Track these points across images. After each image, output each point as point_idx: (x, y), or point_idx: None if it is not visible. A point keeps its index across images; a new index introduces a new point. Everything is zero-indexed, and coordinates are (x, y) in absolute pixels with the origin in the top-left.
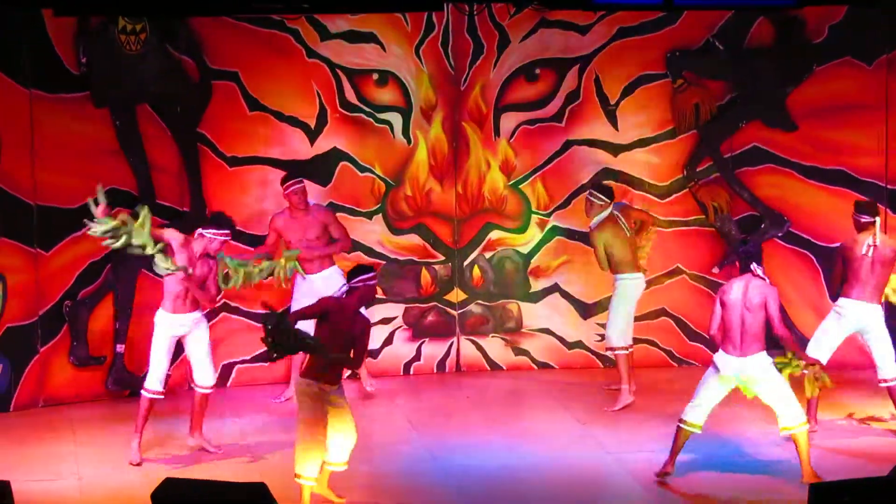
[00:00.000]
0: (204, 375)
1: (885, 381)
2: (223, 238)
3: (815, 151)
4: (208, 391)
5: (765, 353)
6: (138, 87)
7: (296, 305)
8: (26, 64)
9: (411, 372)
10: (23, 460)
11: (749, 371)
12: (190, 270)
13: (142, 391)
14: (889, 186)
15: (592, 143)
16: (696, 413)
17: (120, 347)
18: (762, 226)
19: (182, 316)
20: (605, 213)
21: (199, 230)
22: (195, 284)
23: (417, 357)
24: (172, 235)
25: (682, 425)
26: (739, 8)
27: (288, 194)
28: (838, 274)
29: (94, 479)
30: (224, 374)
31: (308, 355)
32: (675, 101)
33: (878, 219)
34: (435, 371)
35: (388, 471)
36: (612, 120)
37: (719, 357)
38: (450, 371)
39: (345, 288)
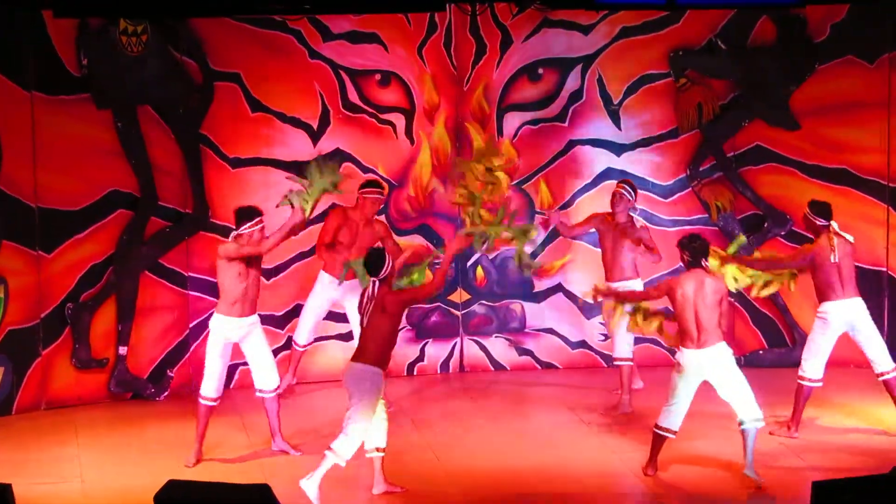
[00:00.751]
0: (267, 379)
1: (883, 374)
2: (261, 226)
3: (818, 150)
4: (273, 394)
5: (724, 343)
6: (140, 88)
7: (314, 300)
8: (27, 66)
9: (415, 373)
10: (25, 463)
11: (707, 363)
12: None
13: (199, 399)
14: (891, 184)
15: (595, 143)
16: (672, 418)
17: (122, 350)
18: (765, 224)
19: (238, 319)
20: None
21: (234, 233)
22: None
23: (421, 357)
24: (229, 250)
25: (658, 431)
26: (742, 7)
27: (364, 200)
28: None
29: (97, 482)
30: (227, 374)
31: (376, 345)
32: (677, 101)
33: (834, 222)
34: (439, 371)
35: (391, 472)
36: (615, 119)
37: (679, 356)
38: (453, 371)
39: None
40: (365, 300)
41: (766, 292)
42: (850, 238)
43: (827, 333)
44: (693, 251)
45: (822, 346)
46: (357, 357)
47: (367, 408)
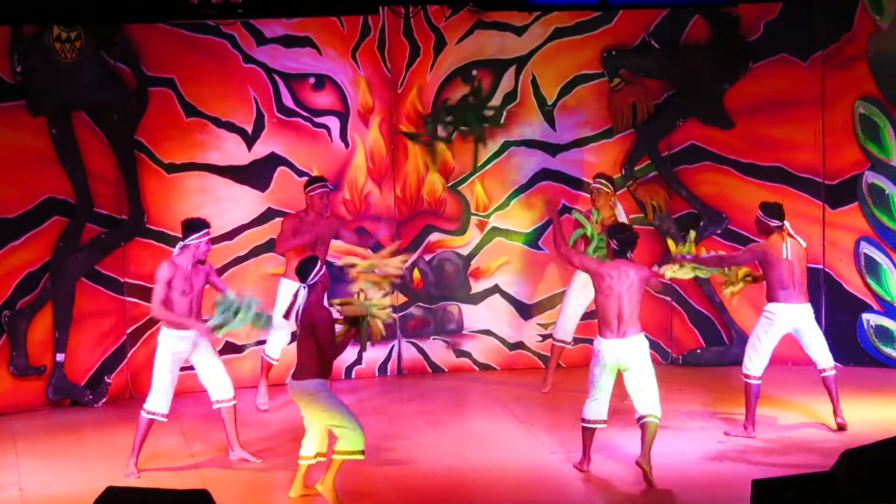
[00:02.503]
0: (222, 389)
1: (824, 370)
2: (207, 238)
3: (753, 148)
4: (230, 403)
5: (643, 335)
6: (74, 95)
7: (281, 305)
8: None
9: (353, 376)
10: None
11: (625, 354)
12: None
13: (143, 412)
14: (826, 182)
15: (530, 144)
16: (596, 408)
17: (60, 357)
18: (701, 223)
19: (185, 332)
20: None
21: (180, 243)
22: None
23: (359, 361)
24: (162, 273)
25: (585, 425)
26: (674, 6)
27: (312, 198)
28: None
29: (36, 490)
30: None
31: (311, 360)
32: (612, 101)
33: (787, 222)
34: (377, 374)
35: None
36: (550, 120)
37: (598, 344)
38: (391, 374)
39: (305, 288)
40: (295, 308)
41: (731, 289)
42: (803, 243)
43: (770, 333)
44: (621, 241)
45: (766, 344)
46: (297, 374)
47: (338, 408)
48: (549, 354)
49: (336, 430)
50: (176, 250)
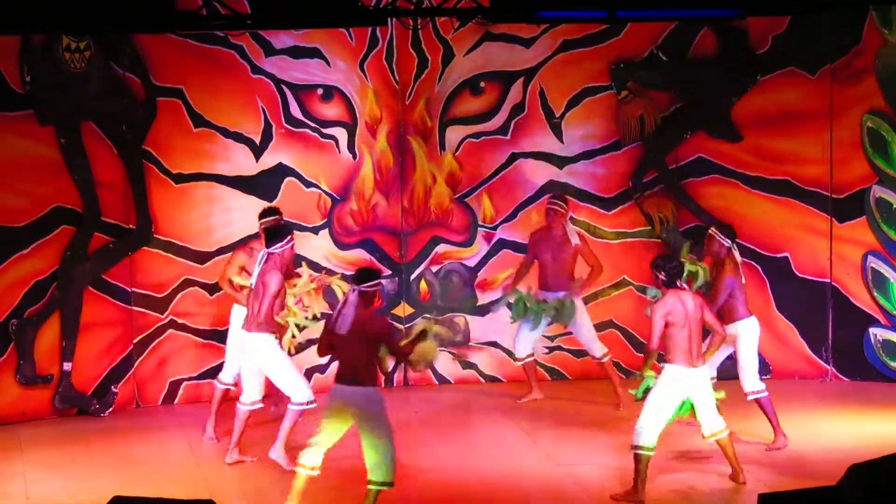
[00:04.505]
0: (249, 391)
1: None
2: (291, 244)
3: (760, 161)
4: (251, 408)
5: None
6: (83, 104)
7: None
8: None
9: None
10: None
11: (696, 383)
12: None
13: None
14: (833, 195)
15: (538, 156)
16: (653, 435)
17: (67, 366)
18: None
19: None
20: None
21: (267, 250)
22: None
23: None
24: (278, 283)
25: (639, 452)
26: (683, 19)
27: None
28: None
29: (42, 499)
30: (172, 390)
31: (370, 369)
32: (619, 113)
33: (734, 244)
34: (383, 386)
35: (337, 487)
36: (558, 132)
37: (677, 371)
38: (398, 386)
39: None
40: (343, 314)
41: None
42: (740, 259)
43: (753, 345)
44: (670, 272)
45: (753, 357)
46: (351, 381)
47: (387, 425)
48: (555, 366)
49: (375, 449)
50: (261, 257)
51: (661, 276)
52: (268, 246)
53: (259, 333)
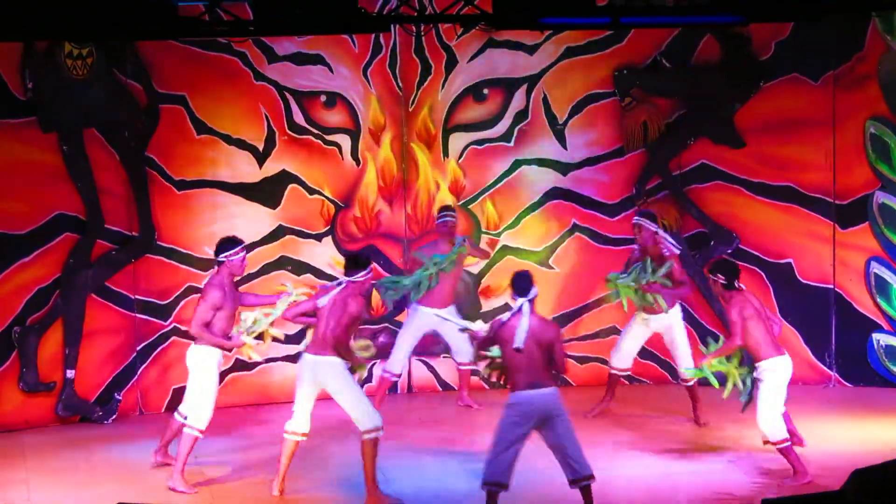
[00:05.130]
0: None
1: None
2: (244, 253)
3: (763, 168)
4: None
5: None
6: (85, 111)
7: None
8: None
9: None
10: None
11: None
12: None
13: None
14: (837, 202)
15: (541, 163)
16: (783, 426)
17: (70, 373)
18: (711, 243)
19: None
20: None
21: (347, 279)
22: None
23: (369, 379)
24: (214, 298)
25: (782, 446)
26: (686, 25)
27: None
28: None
29: None
30: (176, 397)
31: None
32: (623, 120)
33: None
34: (387, 392)
35: (341, 494)
36: (561, 139)
37: (779, 363)
38: (402, 392)
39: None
40: (521, 328)
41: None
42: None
43: (643, 332)
44: (728, 274)
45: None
46: (539, 385)
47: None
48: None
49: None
50: (213, 269)
51: (721, 280)
52: (349, 274)
53: (329, 357)
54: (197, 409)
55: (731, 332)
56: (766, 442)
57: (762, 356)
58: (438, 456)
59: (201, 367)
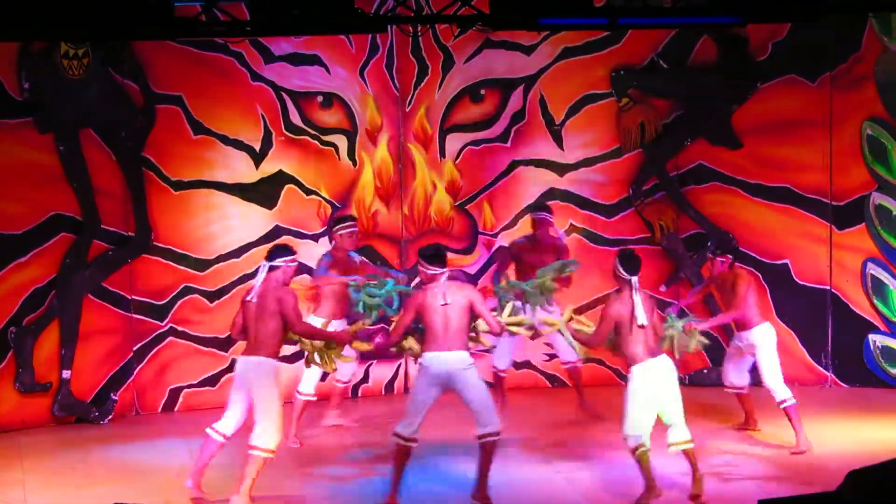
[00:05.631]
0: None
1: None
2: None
3: (760, 169)
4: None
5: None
6: (82, 112)
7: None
8: None
9: (360, 395)
10: None
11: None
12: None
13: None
14: (833, 203)
15: (538, 164)
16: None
17: (66, 373)
18: (708, 243)
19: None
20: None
21: (268, 264)
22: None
23: (365, 379)
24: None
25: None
26: (683, 26)
27: (339, 237)
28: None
29: None
30: (172, 398)
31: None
32: (620, 120)
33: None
34: (383, 393)
35: (340, 496)
36: (558, 139)
37: (770, 327)
38: (398, 393)
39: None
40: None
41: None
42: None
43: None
44: (734, 252)
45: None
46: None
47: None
48: (556, 374)
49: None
50: (262, 273)
51: (730, 260)
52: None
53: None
54: (265, 434)
55: (735, 304)
56: (780, 404)
57: (754, 324)
58: (432, 453)
59: (272, 383)
